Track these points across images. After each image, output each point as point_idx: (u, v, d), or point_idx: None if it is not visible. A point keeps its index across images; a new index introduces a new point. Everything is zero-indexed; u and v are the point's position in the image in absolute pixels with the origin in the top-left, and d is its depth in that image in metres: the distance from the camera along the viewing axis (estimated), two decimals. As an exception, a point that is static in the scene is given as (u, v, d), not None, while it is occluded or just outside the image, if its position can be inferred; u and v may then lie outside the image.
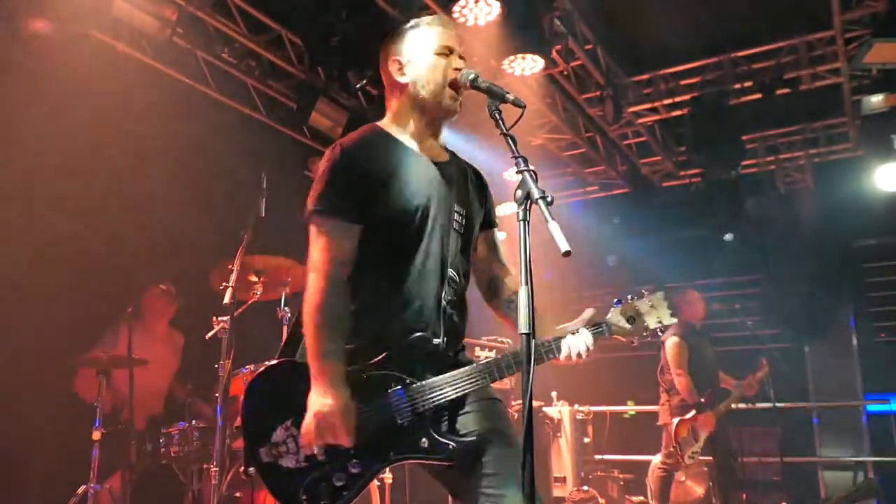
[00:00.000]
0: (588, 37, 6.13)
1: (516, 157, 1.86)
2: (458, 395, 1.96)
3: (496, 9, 5.05)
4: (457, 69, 2.12)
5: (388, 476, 4.92)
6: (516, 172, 1.83)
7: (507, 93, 2.00)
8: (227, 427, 3.70)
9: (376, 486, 4.56)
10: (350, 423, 1.86)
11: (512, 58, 5.51)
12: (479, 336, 6.30)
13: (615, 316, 2.18)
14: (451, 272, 2.07)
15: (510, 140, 1.94)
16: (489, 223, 2.30)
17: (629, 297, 2.20)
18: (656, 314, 2.19)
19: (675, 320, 2.22)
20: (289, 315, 4.33)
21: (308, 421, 1.86)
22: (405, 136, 2.15)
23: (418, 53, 2.14)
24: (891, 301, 8.23)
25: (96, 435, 3.99)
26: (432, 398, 1.93)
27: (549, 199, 1.75)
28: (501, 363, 1.99)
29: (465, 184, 2.22)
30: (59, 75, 4.56)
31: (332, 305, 1.93)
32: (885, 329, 8.26)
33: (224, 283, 3.81)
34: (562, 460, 6.66)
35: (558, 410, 6.81)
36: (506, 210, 8.35)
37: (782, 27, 6.12)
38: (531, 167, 1.84)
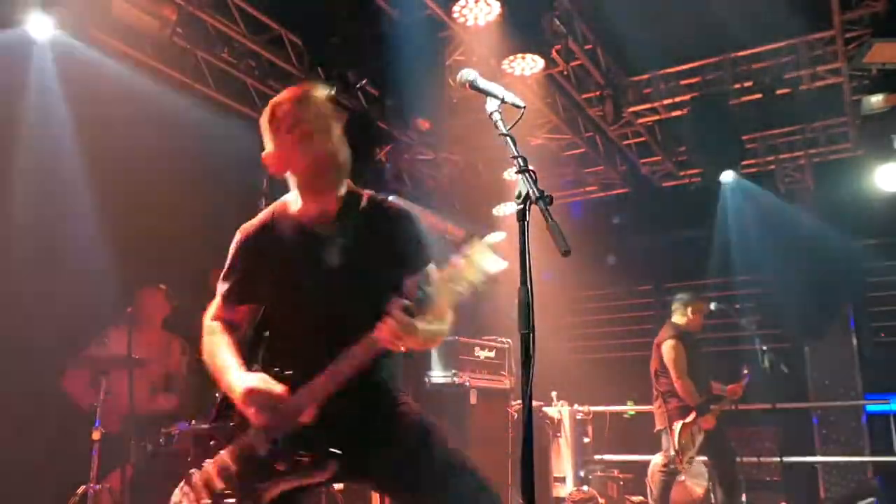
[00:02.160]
0: (588, 37, 6.13)
1: (516, 157, 1.86)
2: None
3: (496, 9, 5.05)
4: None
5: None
6: (516, 172, 1.83)
7: (507, 93, 2.01)
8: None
9: (376, 486, 4.56)
10: (272, 384, 1.98)
11: (512, 58, 5.51)
12: (478, 336, 6.31)
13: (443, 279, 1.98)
14: (345, 330, 2.00)
15: (510, 140, 1.94)
16: (408, 267, 2.11)
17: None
18: (475, 268, 1.92)
19: (504, 264, 1.93)
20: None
21: (242, 401, 1.98)
22: (301, 210, 2.23)
23: (278, 137, 2.22)
24: (891, 301, 8.23)
25: (96, 435, 3.99)
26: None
27: (548, 199, 1.75)
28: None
29: (368, 241, 2.17)
30: (59, 75, 4.57)
31: (217, 341, 2.22)
32: (885, 329, 8.25)
33: (224, 283, 3.80)
34: (562, 460, 6.67)
35: (558, 410, 6.81)
36: (506, 210, 8.41)
37: (782, 27, 6.12)
38: (531, 167, 1.84)
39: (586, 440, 6.89)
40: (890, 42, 5.04)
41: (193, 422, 4.21)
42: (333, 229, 2.19)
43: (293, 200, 2.27)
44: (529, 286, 1.73)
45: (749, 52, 6.38)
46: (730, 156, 6.95)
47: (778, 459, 6.05)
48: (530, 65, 5.60)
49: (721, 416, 5.47)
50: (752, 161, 7.90)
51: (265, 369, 2.09)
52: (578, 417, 6.85)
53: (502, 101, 1.99)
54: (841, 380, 7.98)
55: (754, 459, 6.40)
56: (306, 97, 2.21)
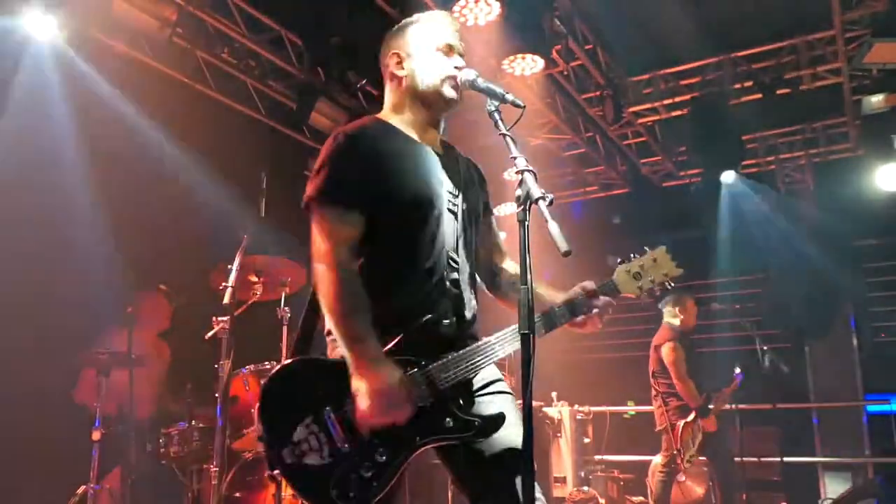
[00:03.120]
0: (588, 37, 6.13)
1: (516, 157, 1.86)
2: (475, 370, 1.96)
3: (496, 9, 5.05)
4: (457, 67, 2.15)
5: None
6: (516, 173, 1.83)
7: (507, 93, 2.01)
8: (226, 427, 3.70)
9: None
10: (408, 394, 1.84)
11: (512, 58, 5.51)
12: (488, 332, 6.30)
13: (620, 274, 2.19)
14: (454, 255, 2.07)
15: (510, 140, 1.94)
16: (488, 210, 2.37)
17: (632, 255, 2.21)
18: (661, 269, 2.18)
19: (680, 271, 2.21)
20: (288, 315, 4.32)
21: (365, 405, 1.81)
22: (404, 126, 2.17)
23: (419, 48, 2.17)
24: (891, 301, 8.23)
25: (96, 435, 3.99)
26: (449, 377, 1.92)
27: (548, 199, 1.75)
28: (507, 334, 2.00)
29: (465, 172, 2.24)
30: (59, 75, 4.57)
31: (351, 290, 1.91)
32: (885, 329, 8.26)
33: (224, 283, 3.81)
34: (562, 460, 6.66)
35: (558, 410, 6.81)
36: (506, 210, 8.41)
37: (782, 27, 6.11)
38: (531, 167, 1.84)
39: (586, 440, 6.89)
40: (890, 42, 5.03)
41: (194, 422, 4.21)
42: (444, 153, 2.21)
43: (386, 114, 2.21)
44: (529, 286, 1.73)
45: (749, 52, 6.38)
46: (730, 156, 6.95)
47: (778, 459, 6.05)
48: (530, 65, 5.60)
49: (721, 417, 5.47)
50: (752, 161, 7.90)
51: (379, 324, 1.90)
52: (578, 417, 6.84)
53: (502, 100, 2.00)
54: (841, 380, 7.98)
55: (755, 459, 6.40)
56: (455, 25, 2.24)
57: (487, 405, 1.99)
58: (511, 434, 1.94)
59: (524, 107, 1.97)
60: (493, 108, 2.00)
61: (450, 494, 5.21)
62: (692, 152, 7.33)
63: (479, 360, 1.96)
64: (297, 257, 4.33)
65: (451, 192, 2.12)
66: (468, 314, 2.08)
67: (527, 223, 1.77)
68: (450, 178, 2.14)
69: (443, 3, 5.14)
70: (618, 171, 8.39)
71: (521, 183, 1.80)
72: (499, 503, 1.88)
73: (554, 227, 1.71)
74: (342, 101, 6.00)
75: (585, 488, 6.24)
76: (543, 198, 1.74)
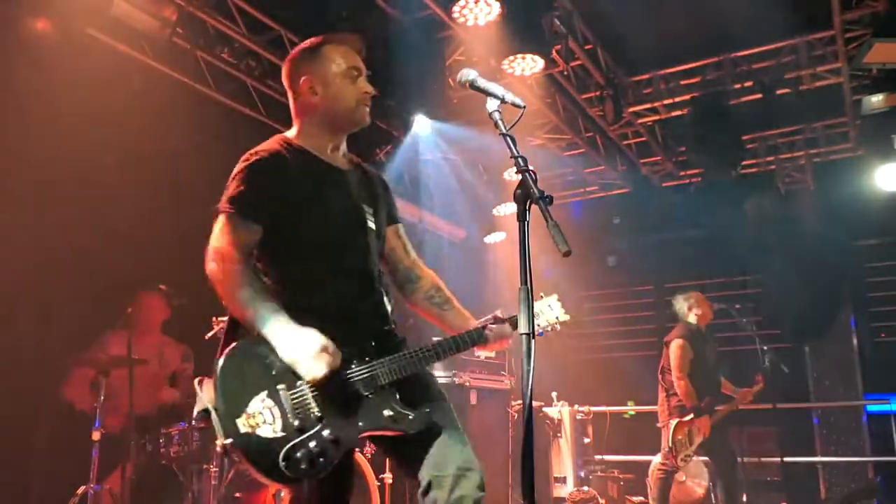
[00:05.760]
0: (588, 37, 6.13)
1: (516, 157, 1.86)
2: (411, 371, 2.13)
3: (496, 9, 5.05)
4: (366, 92, 2.28)
5: (387, 476, 4.92)
6: (516, 173, 1.84)
7: (507, 93, 2.01)
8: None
9: (376, 486, 4.56)
10: (332, 343, 2.00)
11: (512, 58, 5.51)
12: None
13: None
14: (367, 266, 2.24)
15: (510, 140, 1.94)
16: (393, 219, 2.46)
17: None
18: (553, 313, 2.50)
19: (567, 318, 2.51)
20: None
21: (310, 367, 1.96)
22: (312, 147, 2.27)
23: (330, 74, 2.26)
24: (891, 301, 8.23)
25: (96, 435, 3.99)
26: (387, 373, 2.08)
27: (548, 199, 1.76)
28: (443, 346, 2.21)
29: (369, 185, 2.37)
30: (59, 75, 4.56)
31: (249, 279, 2.09)
32: (885, 329, 8.26)
33: (224, 284, 3.80)
34: (562, 460, 6.67)
35: (558, 410, 6.81)
36: (506, 210, 8.41)
37: (782, 27, 6.11)
38: (531, 167, 1.84)
39: (586, 440, 6.89)
40: (890, 42, 5.03)
41: (194, 422, 4.20)
42: (350, 169, 2.33)
43: (296, 136, 2.31)
44: (529, 286, 1.73)
45: (749, 52, 6.38)
46: (730, 156, 6.95)
47: (778, 459, 6.05)
48: (530, 65, 5.60)
49: (718, 421, 5.47)
50: (752, 161, 7.90)
51: (297, 314, 2.05)
52: (578, 417, 6.85)
53: (502, 100, 2.01)
54: (841, 380, 7.99)
55: (755, 459, 6.41)
56: (360, 47, 2.35)
57: (420, 403, 2.13)
58: (448, 419, 2.15)
59: (524, 107, 1.98)
60: (493, 109, 2.00)
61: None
62: (692, 152, 7.32)
63: (414, 365, 2.14)
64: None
65: (359, 206, 2.26)
66: (386, 320, 2.25)
67: (526, 223, 1.77)
68: (357, 192, 2.28)
69: (443, 3, 5.15)
70: (618, 171, 8.39)
71: (520, 183, 1.80)
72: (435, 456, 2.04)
73: (554, 227, 1.72)
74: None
75: (585, 488, 6.24)
76: (543, 198, 1.75)
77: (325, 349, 1.98)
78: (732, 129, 6.69)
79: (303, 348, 1.98)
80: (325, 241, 2.18)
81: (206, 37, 5.62)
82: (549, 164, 8.20)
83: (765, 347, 5.84)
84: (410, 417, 2.07)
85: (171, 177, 5.09)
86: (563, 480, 6.58)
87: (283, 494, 3.77)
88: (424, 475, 2.02)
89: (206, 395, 1.99)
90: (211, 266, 2.13)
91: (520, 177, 1.81)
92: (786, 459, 6.07)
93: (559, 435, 6.72)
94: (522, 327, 1.72)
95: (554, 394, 6.95)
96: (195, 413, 2.06)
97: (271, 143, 2.25)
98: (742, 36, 6.24)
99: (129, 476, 4.19)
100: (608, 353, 9.12)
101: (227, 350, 2.04)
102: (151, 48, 5.29)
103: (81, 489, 3.94)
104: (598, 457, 6.97)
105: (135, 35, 5.13)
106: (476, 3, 5.02)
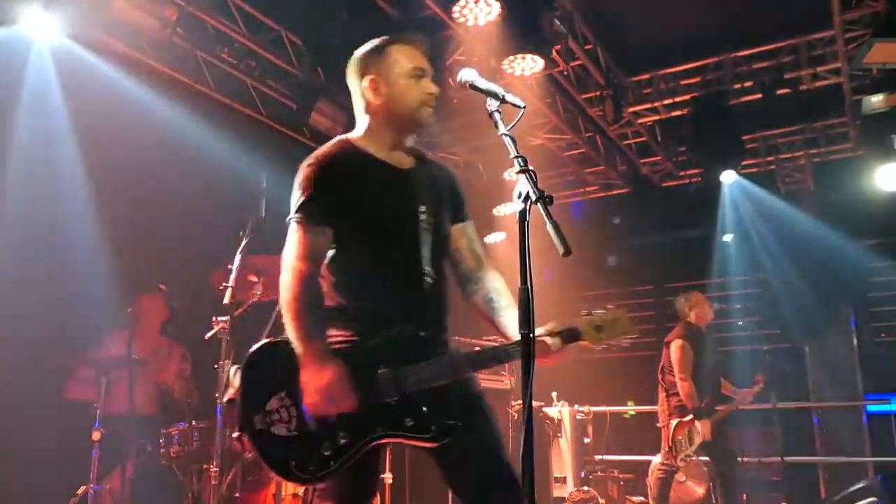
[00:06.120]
0: (588, 37, 6.13)
1: (516, 157, 1.86)
2: (443, 381, 2.06)
3: (496, 9, 5.05)
4: (430, 93, 2.27)
5: (387, 476, 4.92)
6: (516, 173, 1.83)
7: (507, 93, 2.01)
8: (226, 427, 3.70)
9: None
10: (349, 388, 1.98)
11: (512, 58, 5.51)
12: (478, 336, 6.30)
13: (584, 325, 2.27)
14: (426, 267, 2.20)
15: (510, 140, 1.94)
16: (459, 218, 2.41)
17: (592, 311, 2.33)
18: (619, 328, 2.33)
19: (635, 331, 2.37)
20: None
21: (312, 398, 1.96)
22: (374, 148, 2.28)
23: (395, 74, 2.26)
24: (891, 301, 8.23)
25: (96, 435, 3.99)
26: (418, 380, 2.04)
27: (548, 199, 1.75)
28: (482, 356, 2.13)
29: (433, 185, 2.33)
30: (59, 75, 4.56)
31: (308, 293, 2.09)
32: (885, 329, 8.26)
33: (224, 283, 3.81)
34: (562, 460, 6.67)
35: (558, 410, 6.81)
36: (506, 210, 8.41)
37: (782, 27, 6.11)
38: (531, 167, 1.84)
39: (586, 440, 6.89)
40: (890, 42, 5.03)
41: (194, 422, 4.21)
42: (413, 169, 2.32)
43: (358, 136, 2.32)
44: (529, 286, 1.73)
45: (749, 52, 6.38)
46: (730, 156, 6.95)
47: (778, 459, 6.05)
48: (530, 65, 5.60)
49: (717, 422, 5.46)
50: (752, 161, 7.90)
51: (340, 319, 2.09)
52: (579, 418, 6.84)
53: (502, 100, 2.00)
54: (841, 380, 7.98)
55: (755, 459, 6.40)
56: (425, 48, 2.35)
57: (453, 415, 2.07)
58: (489, 444, 2.11)
59: (524, 107, 1.98)
60: (493, 109, 2.00)
61: (449, 495, 5.21)
62: (692, 152, 7.32)
63: (448, 373, 2.08)
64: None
65: (420, 207, 2.23)
66: (440, 325, 2.23)
67: (526, 223, 1.77)
68: (416, 192, 2.26)
69: (443, 3, 5.15)
70: (618, 171, 8.39)
71: (520, 183, 1.80)
72: None
73: (554, 227, 1.72)
74: (342, 101, 6.00)
75: (585, 488, 6.24)
76: (543, 198, 1.74)
77: (329, 388, 1.96)
78: (732, 129, 6.69)
79: (313, 381, 1.98)
80: (376, 241, 2.18)
81: (206, 37, 5.61)
82: (549, 164, 8.20)
83: (765, 347, 5.84)
84: (434, 429, 2.02)
85: (171, 177, 5.08)
86: (563, 480, 6.58)
87: (282, 495, 3.77)
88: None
89: (235, 385, 2.04)
90: (282, 275, 2.14)
91: (519, 177, 1.81)
92: (786, 459, 6.06)
93: (559, 435, 6.72)
94: (522, 327, 1.71)
95: (554, 394, 6.95)
96: (224, 399, 2.11)
97: (330, 146, 2.28)
98: (742, 36, 6.24)
99: (129, 476, 4.19)
100: (608, 353, 9.08)
101: (257, 346, 2.10)
102: (151, 48, 5.29)
103: (81, 489, 3.94)
104: (598, 457, 6.97)
105: (135, 35, 5.13)
106: (476, 3, 5.02)
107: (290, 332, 2.05)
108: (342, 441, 1.96)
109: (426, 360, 2.08)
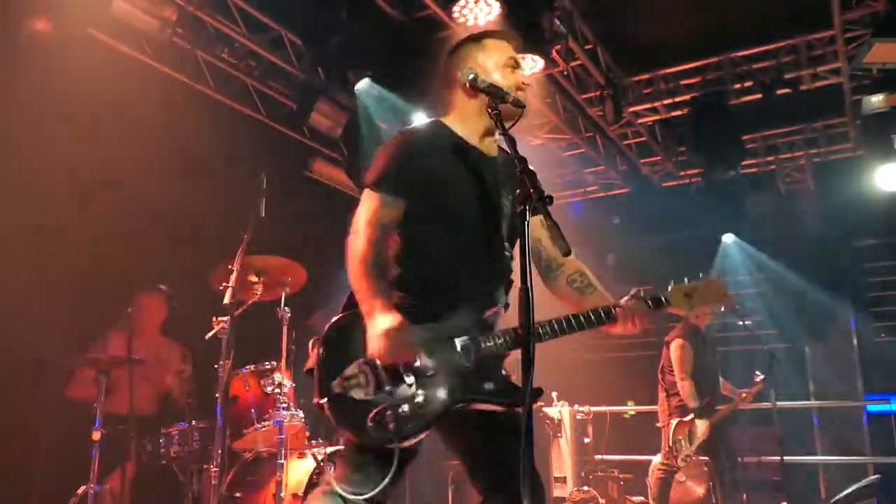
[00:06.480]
0: (588, 37, 6.13)
1: (516, 157, 1.87)
2: (518, 347, 2.07)
3: (496, 9, 5.06)
4: (524, 83, 2.35)
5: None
6: (516, 173, 1.84)
7: (507, 93, 2.02)
8: (226, 427, 3.70)
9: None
10: (412, 339, 2.05)
11: (512, 58, 5.51)
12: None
13: (675, 292, 2.43)
14: (506, 252, 2.30)
15: (510, 140, 1.95)
16: (538, 210, 2.46)
17: (686, 280, 2.48)
18: (714, 294, 2.45)
19: (728, 298, 2.47)
20: (289, 315, 4.32)
21: (376, 345, 2.01)
22: (466, 132, 2.35)
23: (494, 63, 2.35)
24: (891, 301, 8.22)
25: (96, 435, 3.99)
26: (492, 348, 2.13)
27: (548, 199, 1.76)
28: (562, 323, 2.19)
29: (514, 173, 2.33)
30: (59, 75, 4.56)
31: (375, 256, 2.15)
32: (885, 329, 8.25)
33: (224, 283, 3.81)
34: (562, 460, 6.66)
35: (558, 410, 6.81)
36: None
37: (782, 27, 6.11)
38: (531, 167, 1.85)
39: (586, 440, 6.88)
40: (890, 42, 5.03)
41: (194, 422, 4.20)
42: (497, 157, 2.40)
43: (451, 120, 2.39)
44: (529, 286, 1.73)
45: (749, 52, 6.38)
46: (730, 156, 6.95)
47: (778, 459, 6.04)
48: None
49: (717, 422, 5.46)
50: (752, 161, 7.90)
51: (410, 295, 2.17)
52: (579, 417, 6.84)
53: (502, 100, 2.01)
54: (841, 380, 7.98)
55: (755, 459, 6.40)
56: (518, 44, 2.46)
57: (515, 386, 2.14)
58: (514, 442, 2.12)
59: (524, 107, 1.98)
60: (493, 108, 2.01)
61: (450, 493, 5.21)
62: (692, 152, 7.32)
63: (521, 340, 2.09)
64: (297, 257, 4.32)
65: (498, 192, 2.31)
66: (507, 306, 2.28)
67: (526, 223, 1.77)
68: (500, 179, 2.33)
69: (443, 3, 5.15)
70: (618, 171, 8.39)
71: (520, 183, 1.80)
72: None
73: (554, 227, 1.72)
74: (342, 101, 6.00)
75: (585, 488, 6.23)
76: (543, 198, 1.75)
77: (387, 333, 2.00)
78: (732, 129, 6.69)
79: (373, 328, 2.04)
80: (455, 222, 2.25)
81: (206, 37, 5.62)
82: (549, 164, 8.20)
83: (765, 347, 5.83)
84: (515, 395, 2.09)
85: (171, 177, 5.08)
86: (563, 480, 6.57)
87: (282, 495, 3.77)
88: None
89: (313, 357, 2.10)
90: (351, 236, 2.20)
91: (520, 177, 1.81)
92: (786, 459, 6.05)
93: (559, 435, 6.71)
94: (523, 328, 1.71)
95: (554, 394, 6.94)
96: (305, 369, 2.16)
97: (424, 125, 2.38)
98: (742, 36, 6.24)
99: (129, 476, 4.19)
100: (608, 353, 9.11)
101: (336, 318, 2.16)
102: (151, 48, 5.30)
103: (81, 489, 3.93)
104: (598, 457, 6.96)
105: (135, 35, 5.13)
106: (476, 3, 5.03)
107: (356, 291, 2.12)
108: (419, 402, 2.02)
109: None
